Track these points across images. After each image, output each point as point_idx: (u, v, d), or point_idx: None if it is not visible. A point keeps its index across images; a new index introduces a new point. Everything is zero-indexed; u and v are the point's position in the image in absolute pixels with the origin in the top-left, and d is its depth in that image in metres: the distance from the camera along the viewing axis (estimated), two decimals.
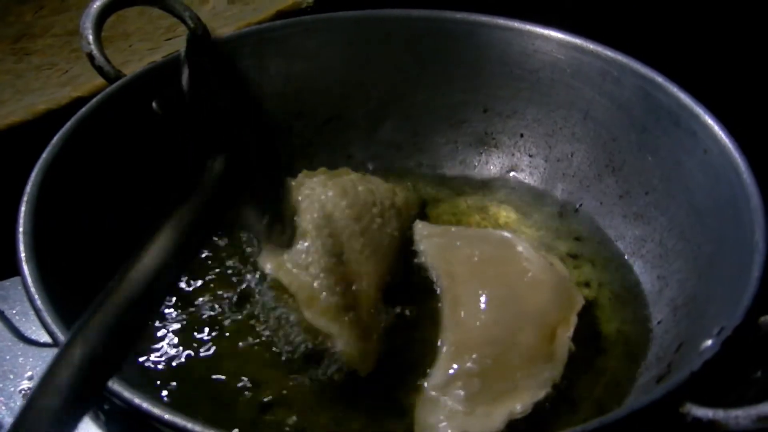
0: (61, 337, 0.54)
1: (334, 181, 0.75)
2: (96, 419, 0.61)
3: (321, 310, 0.66)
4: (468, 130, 0.88)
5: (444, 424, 0.61)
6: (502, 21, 0.84)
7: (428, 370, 0.65)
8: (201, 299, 0.72)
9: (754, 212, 0.61)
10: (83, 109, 0.73)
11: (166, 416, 0.49)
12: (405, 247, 0.76)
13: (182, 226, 0.48)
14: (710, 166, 0.68)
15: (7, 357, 0.70)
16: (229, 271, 0.74)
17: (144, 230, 0.74)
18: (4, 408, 0.66)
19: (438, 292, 0.72)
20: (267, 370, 0.66)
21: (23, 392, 0.67)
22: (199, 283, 0.73)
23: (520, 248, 0.72)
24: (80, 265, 0.65)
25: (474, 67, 0.86)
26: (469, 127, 0.88)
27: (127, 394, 0.50)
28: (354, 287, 0.67)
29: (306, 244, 0.70)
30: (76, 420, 0.40)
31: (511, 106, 0.86)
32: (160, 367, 0.66)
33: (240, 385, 0.65)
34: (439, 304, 0.71)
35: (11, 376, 0.68)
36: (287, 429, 0.62)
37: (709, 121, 0.69)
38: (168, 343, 0.68)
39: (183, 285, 0.73)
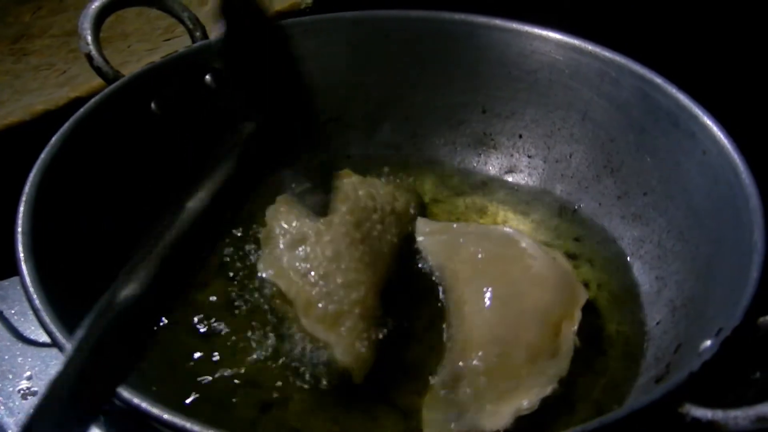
0: (60, 337, 0.54)
1: (335, 184, 0.75)
2: (96, 419, 0.61)
3: (318, 318, 0.66)
4: (467, 131, 0.88)
5: (453, 421, 0.61)
6: (500, 22, 0.84)
7: (437, 368, 0.65)
8: (200, 300, 0.72)
9: (752, 213, 0.61)
10: (81, 110, 0.73)
11: (165, 416, 0.49)
12: (405, 245, 0.76)
13: (215, 186, 0.48)
14: (709, 166, 0.68)
15: (6, 357, 0.70)
16: (230, 273, 0.74)
17: (142, 230, 0.74)
18: (2, 408, 0.66)
19: (440, 290, 0.72)
20: (266, 371, 0.66)
21: (22, 392, 0.67)
22: (199, 283, 0.73)
23: (523, 244, 0.72)
24: (79, 266, 0.65)
25: (473, 68, 0.86)
26: (467, 127, 0.88)
27: (127, 394, 0.50)
28: (353, 296, 0.67)
29: (306, 249, 0.70)
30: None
31: (510, 106, 0.86)
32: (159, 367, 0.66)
33: (239, 385, 0.65)
34: (440, 304, 0.71)
35: (10, 376, 0.68)
36: (286, 429, 0.62)
37: (708, 122, 0.69)
38: (167, 344, 0.68)
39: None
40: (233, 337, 0.69)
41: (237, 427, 0.62)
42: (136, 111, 0.78)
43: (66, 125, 0.71)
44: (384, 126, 0.88)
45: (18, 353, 0.70)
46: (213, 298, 0.72)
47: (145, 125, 0.78)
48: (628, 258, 0.75)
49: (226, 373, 0.66)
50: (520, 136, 0.86)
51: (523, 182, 0.85)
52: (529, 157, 0.85)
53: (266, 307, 0.71)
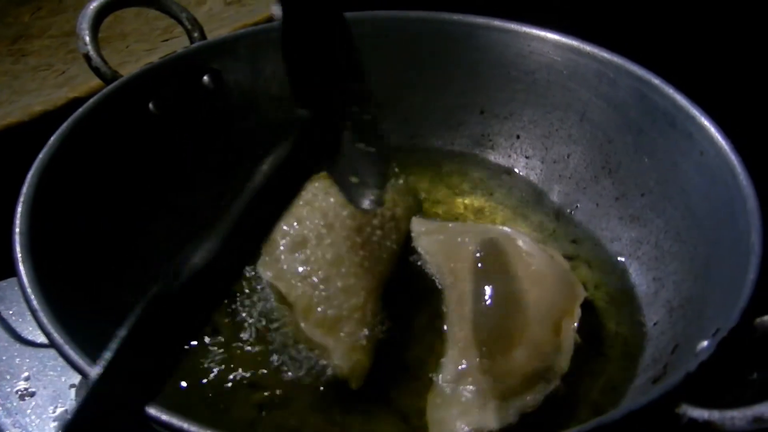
0: (58, 337, 0.54)
1: (336, 188, 0.74)
2: None
3: (317, 322, 0.66)
4: (465, 132, 0.88)
5: (458, 418, 0.61)
6: (498, 23, 0.84)
7: (439, 367, 0.65)
8: None
9: (750, 214, 0.61)
10: (80, 110, 0.73)
11: (164, 417, 0.49)
12: (404, 245, 0.76)
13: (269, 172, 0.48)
14: (706, 167, 0.68)
15: (4, 358, 0.70)
16: None
17: (140, 231, 0.75)
18: (0, 409, 0.66)
19: (440, 289, 0.72)
20: (265, 372, 0.66)
21: (19, 393, 0.67)
22: None
23: (520, 242, 0.72)
24: (77, 266, 0.65)
25: (471, 69, 0.86)
26: (466, 129, 0.88)
27: None
28: (353, 301, 0.67)
29: (306, 252, 0.70)
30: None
31: (508, 107, 0.86)
32: None
33: (238, 386, 0.65)
34: (439, 304, 0.71)
35: (8, 377, 0.68)
36: (286, 430, 0.62)
37: (706, 122, 0.69)
38: None
39: None
40: (232, 338, 0.69)
41: (236, 428, 0.62)
42: (134, 111, 0.78)
43: (64, 125, 0.71)
44: (383, 126, 0.88)
45: (16, 354, 0.70)
46: None
47: (144, 126, 0.78)
48: (626, 259, 0.75)
49: (224, 374, 0.66)
50: (518, 137, 0.86)
51: (521, 183, 0.85)
52: (527, 157, 0.85)
53: (265, 308, 0.71)
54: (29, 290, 0.57)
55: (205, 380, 0.65)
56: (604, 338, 0.70)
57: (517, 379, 0.63)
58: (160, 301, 0.41)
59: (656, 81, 0.74)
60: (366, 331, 0.66)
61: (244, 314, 0.70)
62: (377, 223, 0.74)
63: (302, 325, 0.67)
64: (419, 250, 0.76)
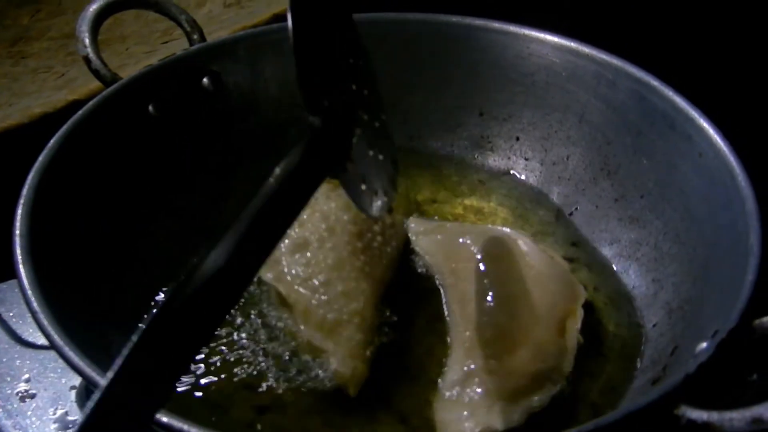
0: (58, 339, 0.54)
1: (338, 192, 0.74)
2: None
3: (317, 325, 0.66)
4: (464, 134, 0.88)
5: (466, 420, 0.61)
6: (497, 24, 0.84)
7: (443, 369, 0.65)
8: None
9: (748, 216, 0.61)
10: (79, 113, 0.73)
11: (164, 419, 0.49)
12: (403, 247, 0.76)
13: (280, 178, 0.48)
14: (705, 169, 0.68)
15: (4, 359, 0.70)
16: None
17: (140, 233, 0.75)
18: (0, 411, 0.66)
19: (439, 289, 0.72)
20: (263, 374, 0.66)
21: (20, 395, 0.67)
22: None
23: (520, 242, 0.72)
24: (77, 268, 0.65)
25: (470, 71, 0.86)
26: (465, 130, 0.88)
27: None
28: (352, 306, 0.67)
29: (307, 255, 0.70)
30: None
31: (507, 109, 0.86)
32: None
33: (236, 388, 0.65)
34: (439, 305, 0.71)
35: (8, 379, 0.68)
36: None
37: (704, 124, 0.69)
38: None
39: None
40: (231, 339, 0.69)
41: (235, 429, 0.62)
42: (134, 113, 0.78)
43: (64, 128, 0.71)
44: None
45: (16, 356, 0.70)
46: None
47: (143, 128, 0.78)
48: (625, 261, 0.76)
49: (223, 375, 0.66)
50: (517, 139, 0.86)
51: (520, 185, 0.85)
52: (526, 159, 0.86)
53: (264, 310, 0.71)
54: (29, 292, 0.57)
55: (203, 381, 0.65)
56: (603, 339, 0.70)
57: (523, 380, 0.63)
58: (172, 307, 0.42)
59: (655, 83, 0.74)
60: (365, 337, 0.66)
61: (243, 315, 0.71)
62: (378, 228, 0.74)
63: (302, 327, 0.67)
64: (418, 250, 0.76)
